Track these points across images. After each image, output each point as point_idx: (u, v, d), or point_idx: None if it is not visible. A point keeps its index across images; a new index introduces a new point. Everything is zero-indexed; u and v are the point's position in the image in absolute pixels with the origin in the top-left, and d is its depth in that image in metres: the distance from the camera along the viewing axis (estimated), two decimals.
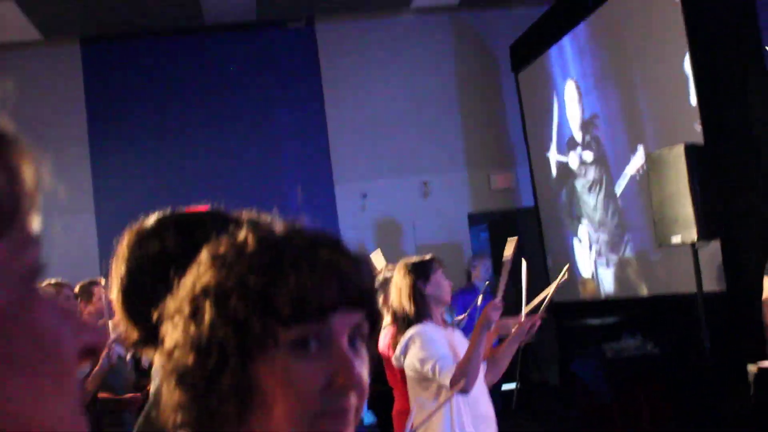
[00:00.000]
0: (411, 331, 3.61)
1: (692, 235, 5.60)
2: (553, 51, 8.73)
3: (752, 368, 5.22)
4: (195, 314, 0.88)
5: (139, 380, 4.95)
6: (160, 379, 0.95)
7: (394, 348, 3.73)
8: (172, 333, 0.90)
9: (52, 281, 4.81)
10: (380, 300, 4.83)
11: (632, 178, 7.32)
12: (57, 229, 9.55)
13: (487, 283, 7.88)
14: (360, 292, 0.90)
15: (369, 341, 0.94)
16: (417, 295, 3.66)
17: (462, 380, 3.37)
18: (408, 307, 3.67)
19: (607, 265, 8.06)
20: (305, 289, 0.86)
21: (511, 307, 3.90)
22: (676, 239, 5.78)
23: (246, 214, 2.20)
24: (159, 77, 9.96)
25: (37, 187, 0.60)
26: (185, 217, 1.63)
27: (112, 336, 4.10)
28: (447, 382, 3.41)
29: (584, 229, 8.45)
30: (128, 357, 4.95)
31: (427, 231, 9.92)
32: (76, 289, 5.03)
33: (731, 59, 6.18)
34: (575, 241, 8.69)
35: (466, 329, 5.57)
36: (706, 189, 5.62)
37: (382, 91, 10.13)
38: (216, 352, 0.87)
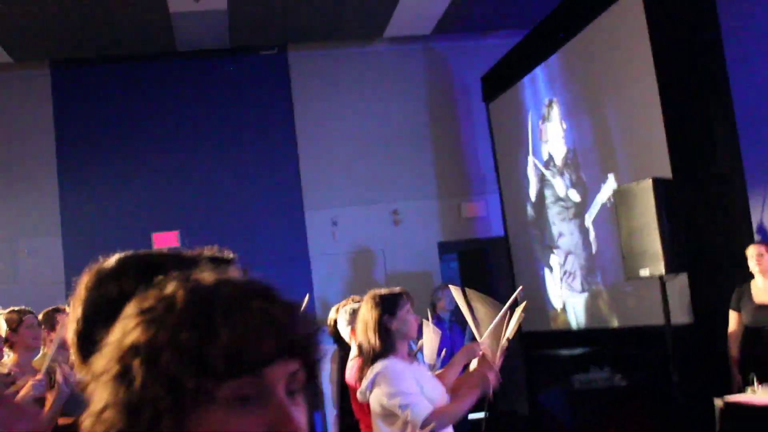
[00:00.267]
0: (377, 367, 3.58)
1: (660, 268, 5.64)
2: (526, 81, 8.79)
3: (718, 402, 5.24)
4: (125, 373, 0.85)
5: None
6: None
7: (361, 381, 3.69)
8: (101, 393, 0.87)
9: (15, 309, 4.73)
10: (348, 331, 4.82)
11: (603, 207, 7.35)
12: (23, 253, 9.45)
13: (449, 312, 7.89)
14: (295, 342, 0.88)
15: (306, 389, 0.92)
16: (382, 329, 3.62)
17: (437, 423, 3.36)
18: (373, 341, 3.63)
19: (578, 295, 8.08)
20: (239, 342, 0.84)
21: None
22: (644, 272, 5.81)
23: (207, 251, 2.19)
24: (129, 102, 9.90)
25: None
26: (145, 259, 1.60)
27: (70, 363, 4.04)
28: (418, 420, 3.38)
29: (555, 259, 8.48)
30: None
31: (397, 259, 9.91)
32: (40, 317, 4.95)
33: (698, 95, 6.25)
34: (546, 271, 8.71)
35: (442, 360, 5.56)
36: (673, 223, 5.67)
37: (353, 118, 10.14)
38: (148, 411, 0.84)
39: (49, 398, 4.30)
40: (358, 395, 3.73)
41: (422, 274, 9.75)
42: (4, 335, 4.53)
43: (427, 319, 4.97)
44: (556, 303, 8.55)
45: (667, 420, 6.14)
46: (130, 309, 0.90)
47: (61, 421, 4.55)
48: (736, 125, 6.25)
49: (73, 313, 1.43)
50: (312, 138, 10.09)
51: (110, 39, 9.17)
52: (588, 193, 7.67)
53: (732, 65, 6.24)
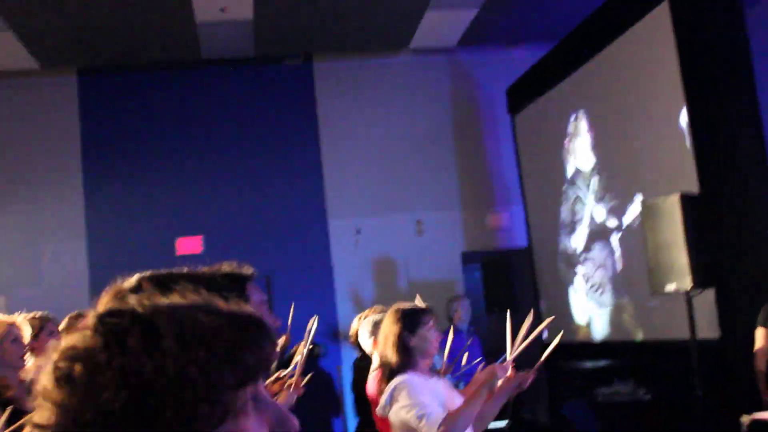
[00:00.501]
0: (395, 382, 3.56)
1: (687, 283, 5.59)
2: (552, 95, 8.77)
3: (745, 419, 5.17)
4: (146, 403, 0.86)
5: None
6: None
7: (381, 393, 3.68)
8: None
9: (37, 315, 4.75)
10: (371, 342, 4.81)
11: (629, 221, 7.31)
12: (47, 257, 9.52)
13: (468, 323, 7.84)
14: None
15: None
16: (401, 346, 3.60)
17: (451, 429, 3.33)
18: (392, 356, 3.61)
19: (603, 308, 8.02)
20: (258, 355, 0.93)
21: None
22: (670, 287, 5.76)
23: (226, 267, 2.20)
24: (154, 109, 9.97)
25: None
26: (165, 278, 1.62)
27: None
28: (433, 428, 3.36)
29: (580, 272, 8.43)
30: None
31: (420, 269, 9.90)
32: (64, 322, 4.97)
33: (727, 109, 6.21)
34: (570, 284, 8.66)
35: (454, 373, 5.52)
36: (700, 238, 5.62)
37: (378, 129, 10.15)
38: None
39: None
40: (377, 410, 3.72)
41: (445, 284, 9.73)
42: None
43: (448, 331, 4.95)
44: (580, 315, 8.51)
45: None
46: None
47: None
48: (764, 140, 6.21)
49: None
50: (336, 147, 10.10)
51: (137, 47, 9.25)
52: (614, 207, 7.63)
53: (761, 80, 6.19)
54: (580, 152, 8.29)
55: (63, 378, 0.86)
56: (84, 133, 9.86)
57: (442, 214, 10.15)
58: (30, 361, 4.62)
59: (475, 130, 10.46)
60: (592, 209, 8.10)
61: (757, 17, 6.73)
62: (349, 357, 8.90)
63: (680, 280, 5.65)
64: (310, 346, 3.97)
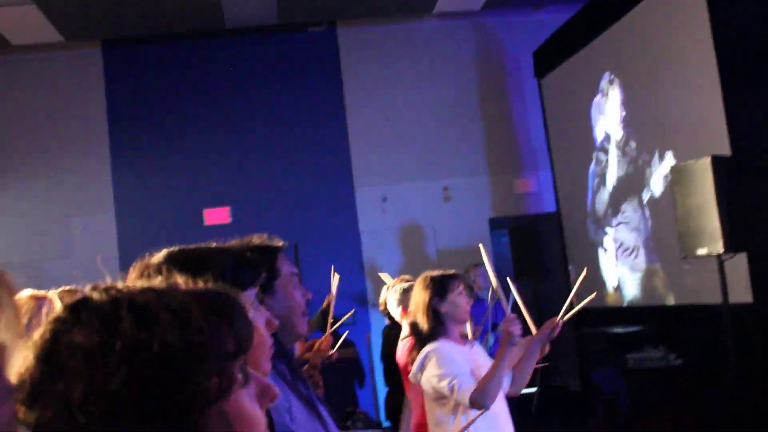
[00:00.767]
0: (427, 349, 3.56)
1: (718, 247, 5.52)
2: (580, 57, 8.63)
3: None
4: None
5: None
6: None
7: (412, 361, 3.68)
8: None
9: (67, 288, 4.77)
10: (399, 310, 4.80)
11: (660, 185, 7.22)
12: (77, 230, 9.60)
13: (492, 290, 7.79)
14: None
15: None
16: (432, 312, 3.60)
17: (482, 397, 3.32)
18: (423, 323, 3.62)
19: (633, 272, 7.96)
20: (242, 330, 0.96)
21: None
22: (701, 251, 5.69)
23: (256, 239, 2.19)
24: (180, 80, 9.97)
25: (18, 330, 0.53)
26: (192, 254, 1.62)
27: None
28: (466, 399, 3.36)
29: (610, 236, 8.36)
30: None
31: (447, 235, 9.87)
32: (56, 298, 4.97)
33: (758, 70, 6.07)
34: (600, 248, 8.60)
35: (481, 341, 5.51)
36: (732, 201, 5.54)
37: (403, 95, 10.09)
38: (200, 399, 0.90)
39: None
40: (410, 377, 3.73)
41: (473, 250, 9.64)
42: None
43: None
44: (610, 280, 8.45)
45: (723, 400, 6.04)
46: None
47: None
48: None
49: None
50: (362, 115, 10.06)
51: (160, 18, 9.21)
52: (645, 170, 7.53)
53: None
54: (610, 114, 8.18)
55: (59, 370, 0.85)
56: (110, 105, 9.89)
57: (469, 180, 10.09)
58: None
59: (501, 95, 10.36)
60: (622, 172, 8.00)
61: None
62: (377, 325, 8.93)
63: (712, 244, 5.58)
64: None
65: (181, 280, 1.01)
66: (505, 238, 10.53)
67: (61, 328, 0.87)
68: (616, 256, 8.27)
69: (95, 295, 0.91)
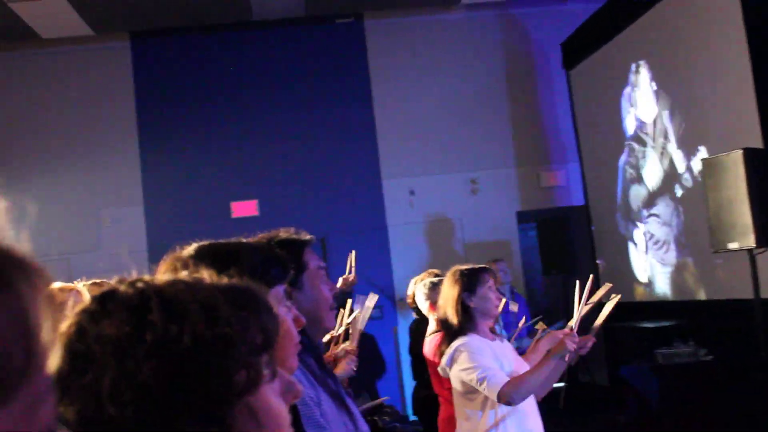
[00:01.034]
0: (456, 343, 3.54)
1: (750, 241, 5.45)
2: (609, 48, 8.55)
3: None
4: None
5: None
6: None
7: (441, 355, 3.66)
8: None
9: (95, 281, 4.79)
10: (427, 305, 4.78)
11: (692, 179, 7.13)
12: (106, 222, 9.66)
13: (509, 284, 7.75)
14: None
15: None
16: (462, 307, 3.58)
17: (512, 394, 3.30)
18: (453, 318, 3.59)
19: (663, 267, 7.88)
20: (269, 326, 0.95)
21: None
22: (733, 245, 5.62)
23: (284, 233, 2.18)
24: (208, 72, 9.99)
25: (53, 329, 0.52)
26: (222, 248, 1.61)
27: None
28: (495, 393, 3.34)
29: (640, 230, 8.28)
30: None
31: (475, 228, 9.83)
32: (85, 290, 4.99)
33: None
34: (630, 242, 8.52)
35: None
36: (764, 194, 5.46)
37: (430, 87, 10.05)
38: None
39: None
40: (439, 371, 3.71)
41: (500, 243, 9.66)
42: None
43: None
44: (641, 274, 8.37)
45: (754, 396, 5.96)
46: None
47: None
48: None
49: None
50: (389, 107, 10.03)
51: (188, 10, 9.24)
52: (676, 163, 7.45)
53: None
54: (640, 106, 8.09)
55: (87, 361, 0.85)
56: (138, 98, 9.93)
57: (497, 173, 10.04)
58: None
59: (529, 87, 10.29)
60: (653, 164, 7.92)
61: None
62: (403, 319, 8.92)
63: (743, 238, 5.51)
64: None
65: (206, 274, 1.00)
66: (532, 231, 10.47)
67: (89, 319, 0.88)
68: (647, 250, 8.19)
69: (123, 288, 0.91)
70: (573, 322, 3.59)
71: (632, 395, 7.40)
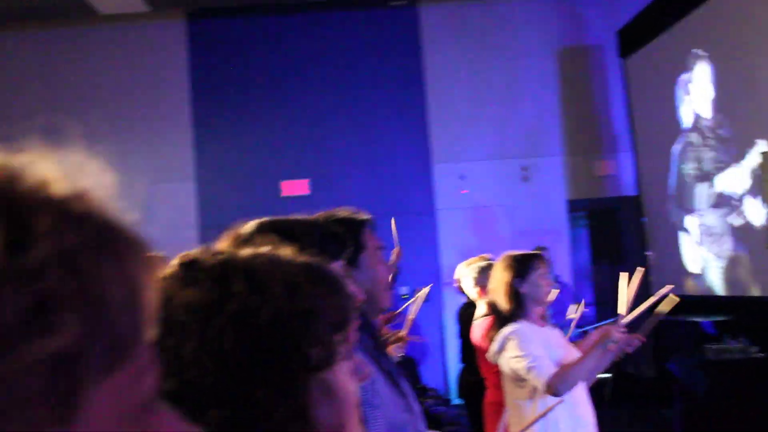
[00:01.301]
0: (507, 330, 3.52)
1: None
2: (668, 36, 8.40)
3: None
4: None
5: None
6: None
7: (490, 341, 3.64)
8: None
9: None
10: (476, 290, 4.76)
11: (749, 170, 6.98)
12: (158, 198, 9.77)
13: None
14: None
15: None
16: (513, 293, 3.55)
17: (559, 385, 3.27)
18: (503, 304, 3.57)
19: (716, 260, 7.75)
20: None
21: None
22: None
23: (342, 212, 2.17)
24: (262, 53, 10.02)
25: (155, 299, 0.52)
26: (282, 224, 1.62)
27: None
28: (540, 384, 3.32)
29: (694, 222, 8.14)
30: None
31: (525, 217, 9.76)
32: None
33: None
34: (682, 234, 8.39)
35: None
36: None
37: (483, 72, 9.98)
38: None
39: None
40: (488, 356, 3.69)
41: (550, 232, 9.58)
42: None
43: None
44: (692, 267, 8.25)
45: None
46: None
47: None
48: None
49: None
50: (441, 91, 9.99)
51: None
52: (733, 155, 7.30)
53: None
54: (699, 96, 7.94)
55: (170, 326, 0.85)
56: (192, 75, 10.01)
57: (548, 161, 9.95)
58: None
59: (582, 75, 10.17)
60: (709, 155, 7.78)
61: None
62: (451, 303, 8.90)
63: None
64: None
65: (284, 250, 1.01)
66: (583, 221, 10.38)
67: (174, 285, 0.88)
68: (700, 242, 8.06)
69: (206, 257, 0.92)
70: (624, 314, 3.55)
71: (679, 390, 7.31)
